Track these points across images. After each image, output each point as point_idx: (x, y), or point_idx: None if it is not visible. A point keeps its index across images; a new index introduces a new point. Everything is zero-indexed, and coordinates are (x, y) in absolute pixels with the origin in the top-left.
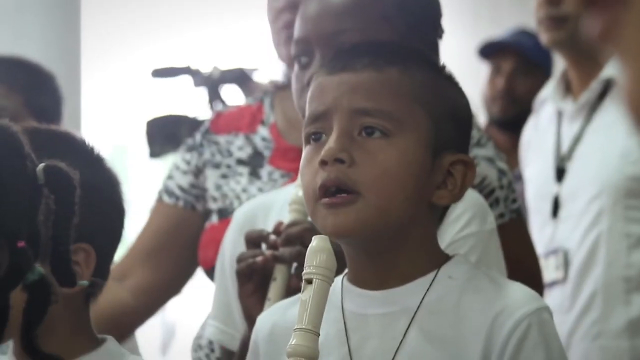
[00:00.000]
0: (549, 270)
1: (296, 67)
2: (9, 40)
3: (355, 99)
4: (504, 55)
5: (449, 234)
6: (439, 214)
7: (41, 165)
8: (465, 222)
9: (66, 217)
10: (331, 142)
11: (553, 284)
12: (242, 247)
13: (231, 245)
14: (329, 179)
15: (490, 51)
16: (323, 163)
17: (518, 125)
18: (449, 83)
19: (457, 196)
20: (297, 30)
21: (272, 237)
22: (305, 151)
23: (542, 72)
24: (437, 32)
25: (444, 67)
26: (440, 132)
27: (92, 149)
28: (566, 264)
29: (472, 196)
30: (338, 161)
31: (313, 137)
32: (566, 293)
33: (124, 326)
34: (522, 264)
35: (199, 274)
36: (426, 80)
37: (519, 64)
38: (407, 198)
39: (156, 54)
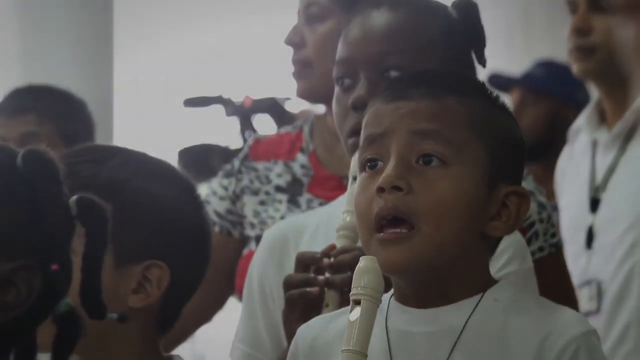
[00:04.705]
0: (583, 301)
1: (337, 89)
2: (41, 37)
3: (415, 121)
4: (511, 88)
5: None
6: (492, 244)
7: (74, 197)
8: (505, 260)
9: (97, 249)
10: (389, 169)
11: (586, 315)
12: (271, 269)
13: (260, 267)
14: (385, 207)
15: (497, 85)
16: (380, 190)
17: (531, 157)
18: (504, 113)
19: (512, 228)
20: (340, 52)
21: (326, 261)
22: (360, 178)
23: (551, 101)
24: (480, 61)
25: (498, 97)
26: (495, 163)
27: (173, 169)
28: (599, 295)
29: (511, 234)
30: (396, 189)
31: (369, 164)
32: (600, 324)
33: None
34: (559, 298)
35: (230, 303)
36: (482, 111)
37: (525, 95)
38: (461, 229)
39: (189, 77)
